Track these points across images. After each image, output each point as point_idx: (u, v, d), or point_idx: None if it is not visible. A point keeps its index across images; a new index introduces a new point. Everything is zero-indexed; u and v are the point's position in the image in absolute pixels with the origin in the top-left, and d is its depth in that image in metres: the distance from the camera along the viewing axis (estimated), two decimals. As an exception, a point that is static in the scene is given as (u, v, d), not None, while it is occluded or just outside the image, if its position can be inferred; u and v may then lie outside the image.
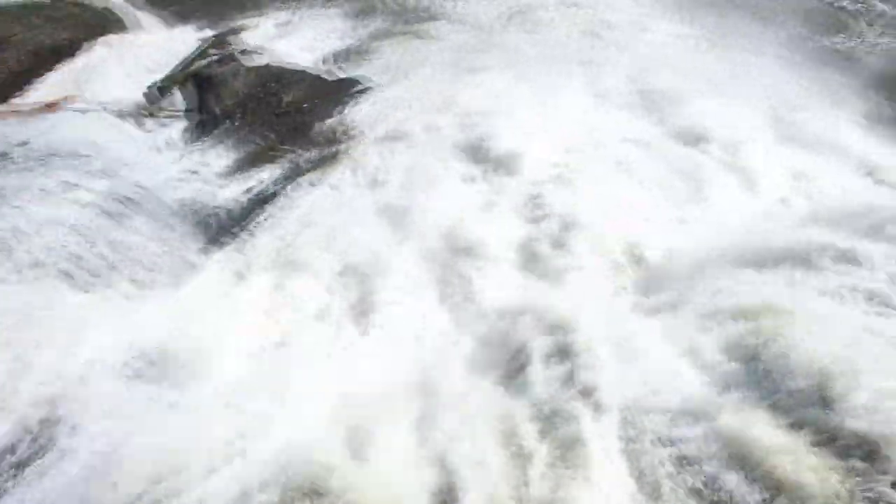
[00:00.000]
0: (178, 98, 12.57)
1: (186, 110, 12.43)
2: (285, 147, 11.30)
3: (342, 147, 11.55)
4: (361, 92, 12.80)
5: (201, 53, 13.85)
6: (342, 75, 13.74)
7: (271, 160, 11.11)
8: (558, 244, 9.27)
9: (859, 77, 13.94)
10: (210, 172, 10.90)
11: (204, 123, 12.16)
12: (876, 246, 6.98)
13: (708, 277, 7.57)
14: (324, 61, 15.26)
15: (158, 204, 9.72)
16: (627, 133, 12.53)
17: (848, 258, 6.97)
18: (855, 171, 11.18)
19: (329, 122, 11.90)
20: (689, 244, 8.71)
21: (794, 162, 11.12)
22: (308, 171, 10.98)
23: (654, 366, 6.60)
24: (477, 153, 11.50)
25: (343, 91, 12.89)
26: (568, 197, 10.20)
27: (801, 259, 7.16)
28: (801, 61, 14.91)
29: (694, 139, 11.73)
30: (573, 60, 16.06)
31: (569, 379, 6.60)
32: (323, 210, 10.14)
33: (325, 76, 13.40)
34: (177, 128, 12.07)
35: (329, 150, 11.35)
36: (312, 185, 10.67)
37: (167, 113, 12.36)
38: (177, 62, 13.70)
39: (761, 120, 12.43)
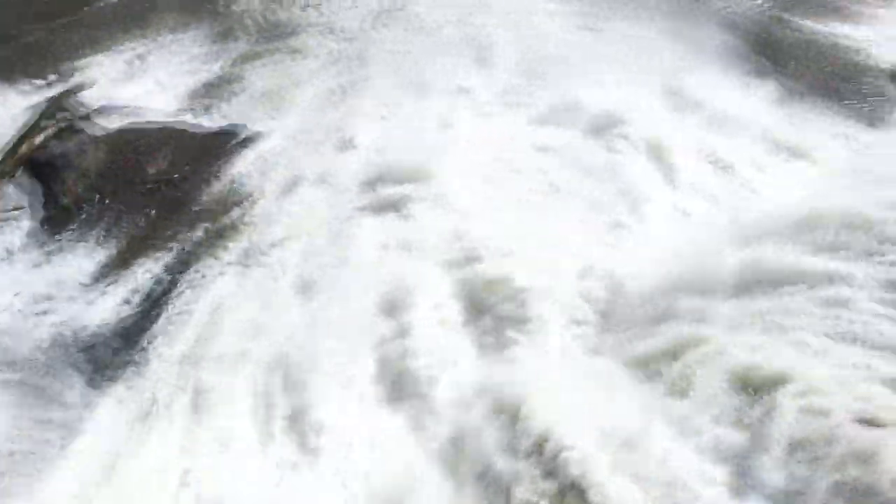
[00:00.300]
0: (9, 193, 10.17)
1: (25, 207, 10.07)
2: (165, 232, 9.47)
3: (233, 216, 9.91)
4: (243, 142, 11.06)
5: (33, 128, 11.36)
6: (215, 123, 11.84)
7: (151, 251, 9.28)
8: (497, 295, 8.33)
9: (734, 38, 13.79)
10: (73, 286, 8.86)
11: (52, 221, 9.92)
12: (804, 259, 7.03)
13: (649, 315, 7.41)
14: (190, 101, 13.24)
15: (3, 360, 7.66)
16: (537, 137, 11.79)
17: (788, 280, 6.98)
18: (766, 148, 11.06)
19: (211, 188, 10.19)
20: (626, 273, 8.19)
21: (708, 146, 10.84)
22: (200, 255, 9.30)
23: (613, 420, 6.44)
24: (387, 189, 10.32)
25: (220, 145, 11.12)
26: (497, 230, 9.31)
27: (738, 284, 7.18)
28: (679, 28, 14.56)
29: (604, 134, 11.16)
30: (461, 54, 15.00)
31: (539, 453, 6.31)
32: (228, 302, 8.63)
33: (194, 129, 11.47)
34: (14, 233, 9.74)
35: (219, 224, 9.69)
36: (209, 272, 9.05)
37: (-1, 216, 10.00)
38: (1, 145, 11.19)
39: (663, 99, 12.07)
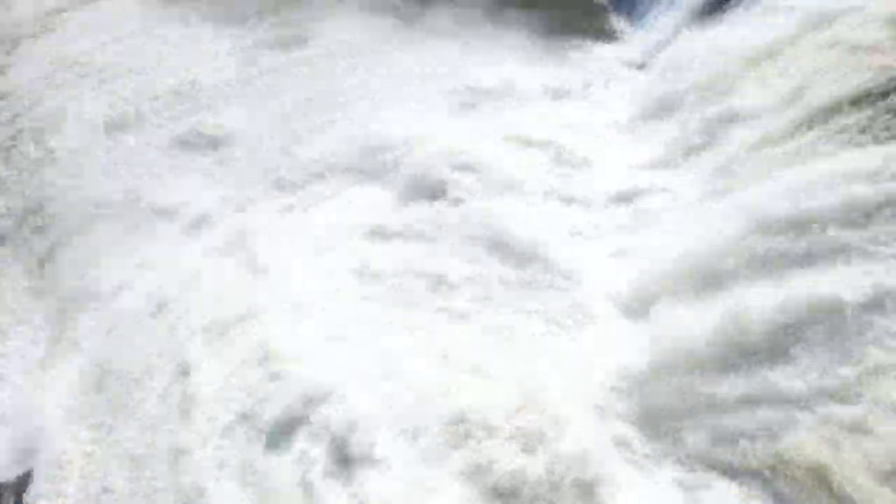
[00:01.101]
0: None
1: None
2: None
3: None
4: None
5: None
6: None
7: None
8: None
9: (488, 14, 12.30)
10: None
11: None
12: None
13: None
14: None
15: None
16: (363, 215, 9.17)
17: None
18: (578, 116, 9.99)
19: None
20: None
21: (534, 149, 9.38)
22: None
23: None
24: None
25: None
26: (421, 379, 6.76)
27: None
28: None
29: (434, 189, 9.04)
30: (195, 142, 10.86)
31: None
32: None
33: None
34: None
35: None
36: None
37: None
38: None
39: (449, 107, 10.39)
